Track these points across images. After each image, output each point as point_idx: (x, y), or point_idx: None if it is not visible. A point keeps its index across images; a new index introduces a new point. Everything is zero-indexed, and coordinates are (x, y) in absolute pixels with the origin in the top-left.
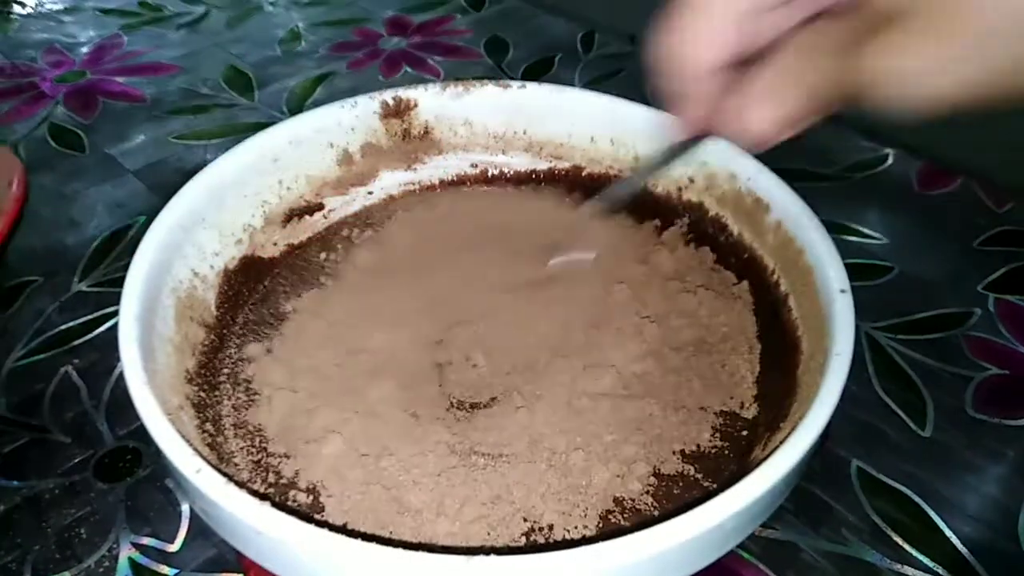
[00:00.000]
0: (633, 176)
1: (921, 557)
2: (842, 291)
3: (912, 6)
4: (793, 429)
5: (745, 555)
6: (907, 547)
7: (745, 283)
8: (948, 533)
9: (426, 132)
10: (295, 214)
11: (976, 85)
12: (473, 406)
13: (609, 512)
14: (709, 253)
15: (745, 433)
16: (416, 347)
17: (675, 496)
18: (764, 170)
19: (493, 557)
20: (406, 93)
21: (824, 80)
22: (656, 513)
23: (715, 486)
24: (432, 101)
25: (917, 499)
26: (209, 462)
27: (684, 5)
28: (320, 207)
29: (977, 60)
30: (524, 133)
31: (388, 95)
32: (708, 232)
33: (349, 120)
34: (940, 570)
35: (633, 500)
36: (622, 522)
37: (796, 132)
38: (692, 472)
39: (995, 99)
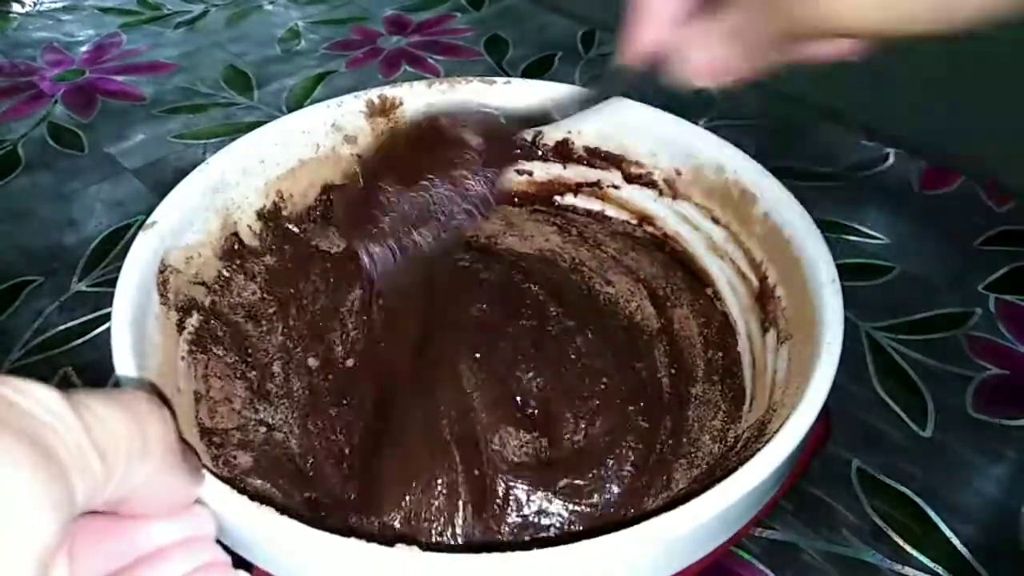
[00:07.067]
0: (568, 104)
1: (921, 557)
2: (831, 280)
3: None
4: (785, 419)
5: (745, 555)
6: (907, 547)
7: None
8: (948, 533)
9: None
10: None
11: (904, 18)
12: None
13: None
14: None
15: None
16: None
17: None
18: (750, 162)
19: (494, 555)
20: (391, 91)
21: (767, 35)
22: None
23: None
24: (418, 99)
25: (917, 499)
26: (207, 467)
27: None
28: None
29: None
30: None
31: (374, 94)
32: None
33: (335, 119)
34: (940, 570)
35: None
36: None
37: (729, 82)
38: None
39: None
